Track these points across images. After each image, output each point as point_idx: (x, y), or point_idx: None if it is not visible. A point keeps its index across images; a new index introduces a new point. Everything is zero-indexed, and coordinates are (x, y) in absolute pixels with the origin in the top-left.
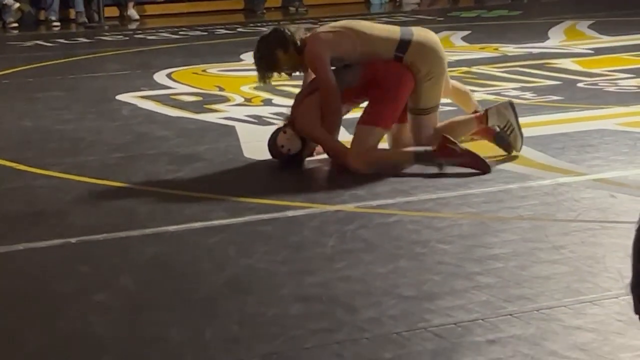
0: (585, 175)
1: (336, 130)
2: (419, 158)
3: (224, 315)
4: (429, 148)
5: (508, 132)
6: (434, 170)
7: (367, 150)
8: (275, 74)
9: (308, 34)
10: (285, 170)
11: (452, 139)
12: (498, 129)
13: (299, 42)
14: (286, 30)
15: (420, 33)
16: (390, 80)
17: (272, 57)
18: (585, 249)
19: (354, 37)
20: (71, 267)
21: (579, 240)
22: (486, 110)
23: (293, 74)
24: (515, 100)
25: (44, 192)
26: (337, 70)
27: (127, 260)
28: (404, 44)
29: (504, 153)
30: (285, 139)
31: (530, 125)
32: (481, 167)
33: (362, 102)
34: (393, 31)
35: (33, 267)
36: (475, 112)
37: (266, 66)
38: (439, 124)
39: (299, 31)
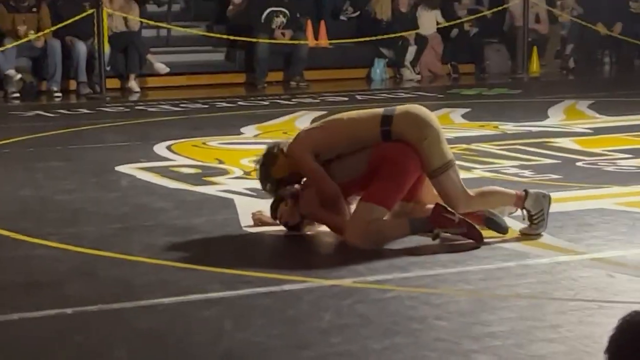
0: (583, 254)
1: (343, 213)
2: (415, 228)
3: None
4: (424, 218)
5: (537, 221)
6: (431, 245)
7: (365, 225)
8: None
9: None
10: (283, 243)
11: (448, 207)
12: (487, 214)
13: (284, 149)
14: (274, 147)
15: (403, 106)
16: (398, 160)
17: (269, 174)
18: (583, 329)
19: (336, 127)
20: (66, 337)
21: (576, 319)
22: (526, 191)
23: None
24: (514, 179)
25: (41, 262)
26: (342, 159)
27: (121, 332)
28: (387, 118)
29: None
30: (285, 211)
31: None
32: (476, 237)
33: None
34: (375, 111)
35: (27, 337)
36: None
37: (270, 184)
38: (477, 190)
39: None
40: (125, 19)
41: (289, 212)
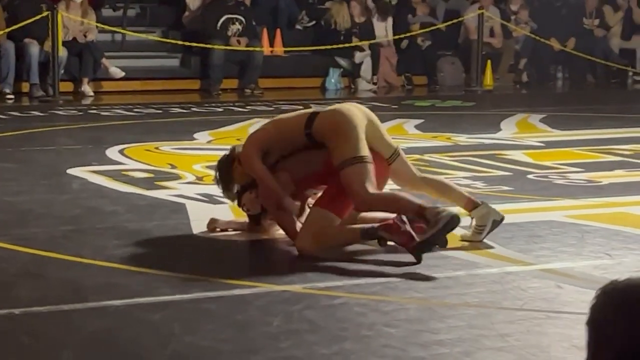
0: (532, 265)
1: (289, 216)
2: (365, 235)
3: None
4: (375, 224)
5: (478, 231)
6: (382, 253)
7: (316, 231)
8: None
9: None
10: (233, 249)
11: (404, 218)
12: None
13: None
14: (230, 154)
15: (331, 107)
16: None
17: (230, 182)
18: (530, 338)
19: (273, 127)
20: (13, 338)
21: (524, 328)
22: (481, 203)
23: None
24: (466, 189)
25: None
26: (300, 155)
27: (70, 334)
28: (310, 121)
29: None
30: (248, 200)
31: None
32: (413, 251)
33: (322, 188)
34: (304, 112)
35: None
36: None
37: (227, 187)
38: (430, 177)
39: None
40: (84, 33)
41: (252, 201)
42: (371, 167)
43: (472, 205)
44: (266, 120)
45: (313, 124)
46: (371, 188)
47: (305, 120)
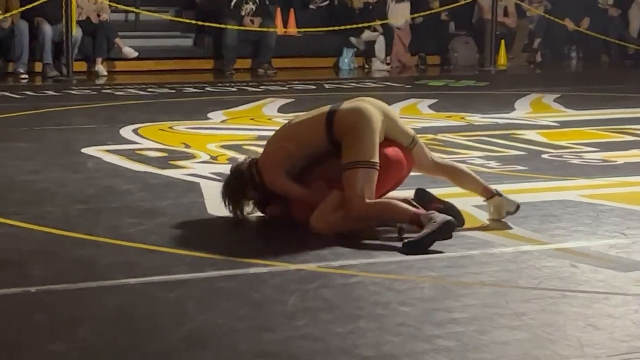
0: (547, 245)
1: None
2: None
3: None
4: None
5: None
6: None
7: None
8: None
9: (252, 161)
10: (249, 228)
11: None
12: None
13: (256, 178)
14: (238, 178)
15: (348, 104)
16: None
17: (240, 204)
18: (545, 317)
19: (287, 145)
20: (29, 316)
21: (539, 307)
22: (496, 192)
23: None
24: (480, 169)
25: (4, 240)
26: (330, 161)
27: (85, 312)
28: (330, 122)
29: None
30: (273, 212)
31: None
32: (402, 247)
33: None
34: (319, 114)
35: None
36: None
37: (239, 207)
38: (447, 163)
39: (245, 165)
40: (97, 13)
41: (279, 214)
42: (375, 176)
43: (488, 194)
44: (282, 102)
45: (333, 124)
46: (368, 196)
47: (325, 124)
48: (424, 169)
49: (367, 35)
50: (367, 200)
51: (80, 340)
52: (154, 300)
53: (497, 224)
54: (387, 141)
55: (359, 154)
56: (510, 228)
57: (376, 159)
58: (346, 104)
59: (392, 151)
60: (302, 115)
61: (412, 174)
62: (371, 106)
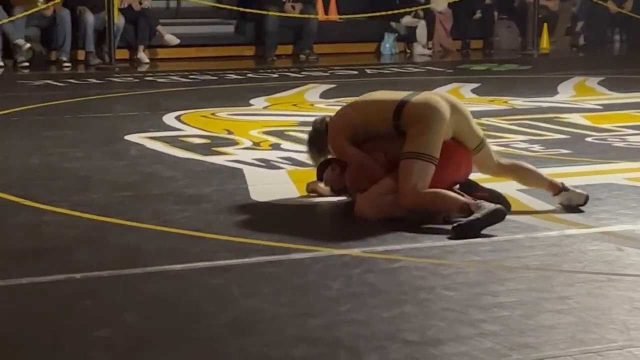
0: (592, 228)
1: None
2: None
3: (225, 356)
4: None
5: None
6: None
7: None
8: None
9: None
10: (292, 213)
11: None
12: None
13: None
14: (313, 133)
15: (420, 96)
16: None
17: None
18: (591, 300)
19: (353, 116)
20: (74, 302)
21: (584, 291)
22: (562, 186)
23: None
24: (523, 153)
25: (49, 228)
26: (394, 138)
27: (130, 298)
28: (398, 112)
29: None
30: (330, 176)
31: None
32: (452, 231)
33: None
34: (391, 98)
35: (36, 302)
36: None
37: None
38: (511, 163)
39: (320, 122)
40: (139, 1)
41: (334, 179)
42: (432, 171)
43: (555, 190)
44: (324, 87)
45: (401, 115)
46: (421, 189)
47: (394, 111)
48: (489, 171)
49: (407, 20)
50: (420, 190)
51: (125, 326)
52: (198, 286)
53: (542, 207)
54: (453, 141)
55: (422, 146)
56: (554, 212)
57: (437, 155)
58: (419, 97)
59: (453, 152)
60: (378, 94)
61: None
62: (444, 102)
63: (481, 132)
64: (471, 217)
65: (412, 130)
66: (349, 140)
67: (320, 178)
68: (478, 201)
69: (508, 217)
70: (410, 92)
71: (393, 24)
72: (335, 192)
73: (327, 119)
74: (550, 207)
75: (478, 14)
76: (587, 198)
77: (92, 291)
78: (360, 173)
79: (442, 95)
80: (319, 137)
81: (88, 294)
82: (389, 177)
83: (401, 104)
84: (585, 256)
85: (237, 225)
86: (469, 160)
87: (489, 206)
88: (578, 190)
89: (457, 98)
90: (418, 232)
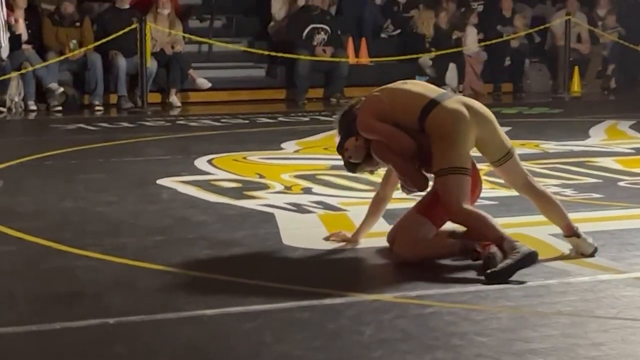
0: (625, 274)
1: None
2: (465, 250)
3: None
4: (475, 242)
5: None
6: (471, 262)
7: (416, 240)
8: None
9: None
10: (323, 258)
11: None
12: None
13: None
14: (345, 114)
15: (453, 99)
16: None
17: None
18: (625, 347)
19: (385, 102)
20: (107, 347)
21: (619, 337)
22: (577, 232)
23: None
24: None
25: (82, 272)
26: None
27: (163, 343)
28: (426, 111)
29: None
30: (352, 145)
31: None
32: (485, 277)
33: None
34: (422, 93)
35: (69, 347)
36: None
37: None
38: (538, 188)
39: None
40: (171, 45)
41: (356, 148)
42: (469, 181)
43: (568, 232)
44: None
45: (428, 115)
46: (465, 202)
47: (422, 109)
48: (513, 186)
49: (422, 61)
50: (465, 206)
51: None
52: (230, 331)
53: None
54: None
55: (453, 161)
56: (587, 257)
57: (467, 165)
58: (449, 102)
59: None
60: (411, 84)
61: None
62: (471, 110)
63: (509, 144)
64: (504, 264)
65: (439, 143)
66: (378, 121)
67: (341, 146)
68: (514, 240)
69: (540, 262)
70: (442, 92)
71: (421, 61)
72: (350, 167)
73: (357, 105)
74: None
75: (507, 62)
76: (595, 250)
77: (126, 336)
78: (391, 141)
79: (470, 104)
80: (348, 118)
81: (121, 339)
82: (415, 212)
83: (431, 104)
84: (618, 302)
85: (269, 270)
86: (478, 183)
87: (522, 249)
88: (589, 241)
89: (484, 106)
90: (450, 277)
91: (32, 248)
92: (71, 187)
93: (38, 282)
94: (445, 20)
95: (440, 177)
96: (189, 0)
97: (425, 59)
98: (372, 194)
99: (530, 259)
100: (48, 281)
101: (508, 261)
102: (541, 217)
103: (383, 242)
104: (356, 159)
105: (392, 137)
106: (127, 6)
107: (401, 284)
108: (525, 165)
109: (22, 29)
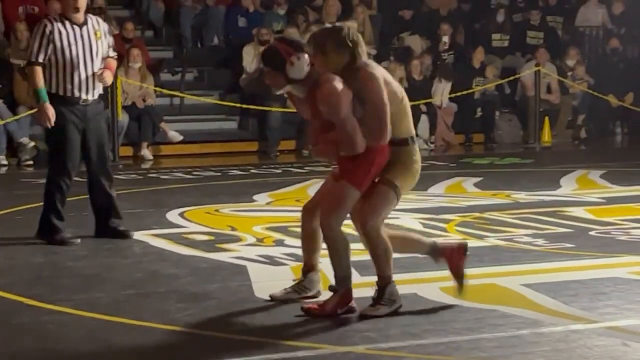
0: (597, 323)
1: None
2: (433, 251)
3: None
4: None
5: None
6: (444, 312)
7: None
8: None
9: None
10: (296, 311)
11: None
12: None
13: (360, 56)
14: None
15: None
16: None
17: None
18: None
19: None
20: None
21: None
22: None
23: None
24: (527, 247)
25: (54, 327)
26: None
27: None
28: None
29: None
30: (310, 61)
31: (542, 272)
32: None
33: None
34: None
35: None
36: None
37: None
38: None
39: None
40: (143, 98)
41: (305, 67)
42: (357, 198)
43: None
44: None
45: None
46: (380, 223)
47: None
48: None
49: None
50: (379, 227)
51: None
52: None
53: (547, 302)
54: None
55: (399, 180)
56: (559, 307)
57: (405, 191)
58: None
59: None
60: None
61: None
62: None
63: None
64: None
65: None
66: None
67: (300, 49)
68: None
69: (512, 311)
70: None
71: None
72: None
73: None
74: (554, 302)
75: (479, 113)
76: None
77: None
78: (342, 143)
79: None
80: (336, 37)
81: None
82: (348, 183)
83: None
84: (591, 352)
85: (241, 323)
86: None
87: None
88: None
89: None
90: (422, 328)
91: (3, 303)
92: (42, 242)
93: (8, 338)
94: (417, 71)
95: (381, 184)
96: (160, 53)
97: None
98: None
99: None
100: (19, 337)
101: (384, 308)
102: (513, 267)
103: (359, 293)
104: (294, 73)
105: (348, 138)
106: None
107: (374, 335)
108: (497, 216)
109: None
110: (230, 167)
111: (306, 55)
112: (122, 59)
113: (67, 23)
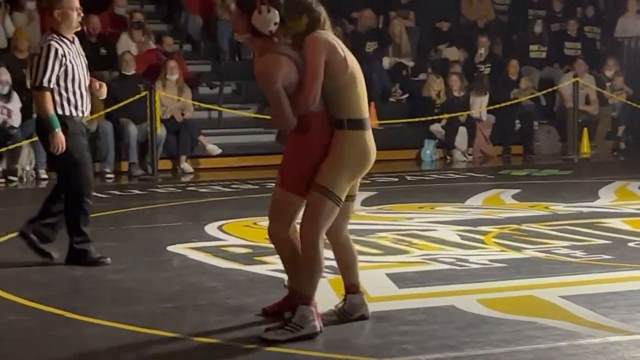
0: (636, 335)
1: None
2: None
3: None
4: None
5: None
6: (482, 325)
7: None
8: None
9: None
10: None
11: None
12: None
13: (322, 23)
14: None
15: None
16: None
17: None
18: None
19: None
20: None
21: None
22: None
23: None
24: (565, 259)
25: (93, 340)
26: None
27: None
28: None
29: None
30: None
31: (580, 284)
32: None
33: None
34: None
35: None
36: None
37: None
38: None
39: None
40: (181, 112)
41: (242, 23)
42: (337, 213)
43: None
44: (363, 195)
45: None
46: (322, 234)
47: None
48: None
49: (434, 127)
50: (319, 239)
51: None
52: None
53: (585, 314)
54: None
55: (328, 180)
56: (597, 318)
57: (343, 196)
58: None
59: None
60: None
61: None
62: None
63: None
64: (281, 335)
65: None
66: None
67: (240, 3)
68: (309, 315)
69: (550, 323)
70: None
71: (432, 127)
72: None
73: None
74: (592, 314)
75: (517, 125)
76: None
77: None
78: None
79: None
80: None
81: None
82: (288, 192)
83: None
84: None
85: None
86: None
87: (308, 326)
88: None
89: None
90: (460, 340)
91: (43, 316)
92: None
93: (48, 351)
94: (457, 87)
95: (315, 193)
96: (198, 67)
97: (437, 126)
98: (387, 258)
99: (308, 337)
100: (58, 350)
101: (287, 333)
102: (551, 279)
103: (396, 305)
104: (257, 23)
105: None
106: (133, 72)
107: (412, 348)
108: (535, 228)
109: None
110: (268, 180)
111: (277, 13)
112: (159, 71)
113: (66, 41)
